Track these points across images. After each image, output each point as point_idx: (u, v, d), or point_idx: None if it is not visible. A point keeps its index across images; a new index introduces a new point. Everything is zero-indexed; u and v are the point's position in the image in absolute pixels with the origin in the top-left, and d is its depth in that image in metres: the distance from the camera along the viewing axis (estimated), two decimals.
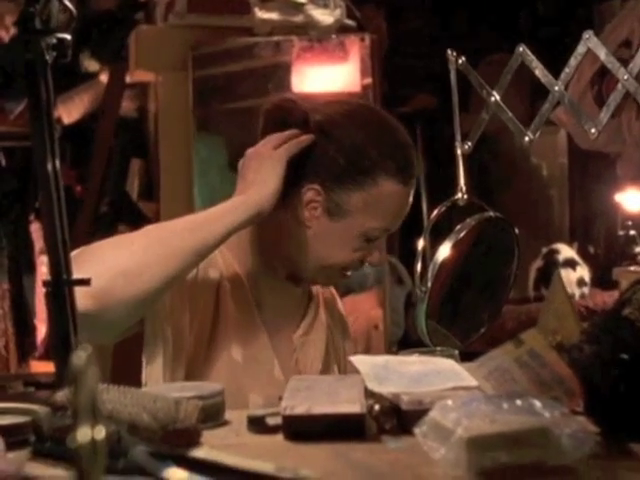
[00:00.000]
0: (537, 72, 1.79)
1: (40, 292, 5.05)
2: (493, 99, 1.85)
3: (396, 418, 1.31)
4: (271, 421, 1.38)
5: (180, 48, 4.23)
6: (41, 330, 4.99)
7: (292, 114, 1.90)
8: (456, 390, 1.25)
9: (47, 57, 1.07)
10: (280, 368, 1.93)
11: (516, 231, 1.93)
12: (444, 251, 1.82)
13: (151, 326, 1.82)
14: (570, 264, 4.33)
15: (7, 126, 5.37)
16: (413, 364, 1.25)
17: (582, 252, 4.70)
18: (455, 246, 1.83)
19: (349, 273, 1.95)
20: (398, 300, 5.30)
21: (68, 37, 1.10)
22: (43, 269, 5.08)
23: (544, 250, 4.47)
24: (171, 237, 1.75)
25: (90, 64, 5.10)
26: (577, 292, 4.28)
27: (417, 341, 1.89)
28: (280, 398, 1.42)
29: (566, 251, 4.43)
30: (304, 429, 1.31)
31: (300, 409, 1.33)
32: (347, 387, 1.37)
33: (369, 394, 1.36)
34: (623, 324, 1.18)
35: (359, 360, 1.34)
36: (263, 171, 1.83)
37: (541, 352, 1.11)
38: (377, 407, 1.34)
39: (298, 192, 1.88)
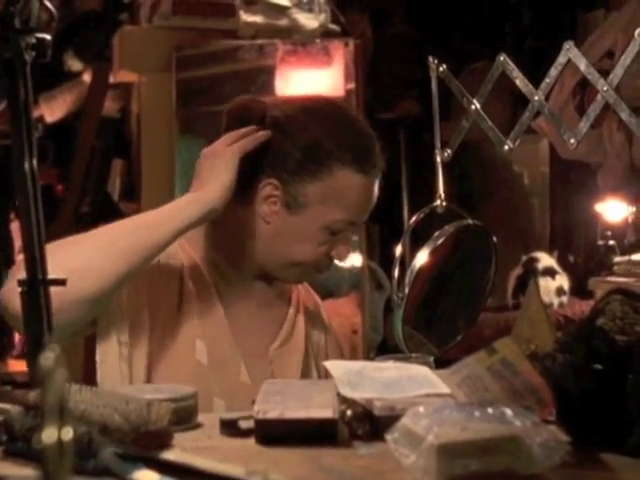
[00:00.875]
0: (517, 82, 1.80)
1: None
2: (473, 107, 1.86)
3: (368, 424, 1.31)
4: (243, 424, 1.37)
5: (164, 49, 4.22)
6: None
7: (250, 111, 1.92)
8: (429, 397, 1.26)
9: (26, 57, 1.07)
10: (248, 374, 1.92)
11: (494, 239, 1.94)
12: (422, 257, 1.83)
13: (105, 325, 1.81)
14: (549, 273, 4.34)
15: None
16: (387, 370, 1.25)
17: (562, 261, 4.72)
18: (433, 253, 1.83)
19: (321, 270, 1.95)
20: (377, 305, 5.31)
21: (48, 37, 1.10)
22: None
23: (524, 258, 4.48)
24: (122, 236, 1.76)
25: (73, 63, 5.08)
26: (556, 301, 4.29)
27: (395, 347, 1.89)
28: (253, 402, 1.42)
29: (545, 260, 4.44)
30: (276, 433, 1.31)
31: (273, 413, 1.33)
32: (320, 392, 1.37)
33: (342, 399, 1.36)
34: (597, 334, 1.18)
35: (333, 365, 1.34)
36: (216, 168, 1.83)
37: (514, 361, 1.11)
38: (350, 412, 1.33)
39: (256, 188, 1.89)
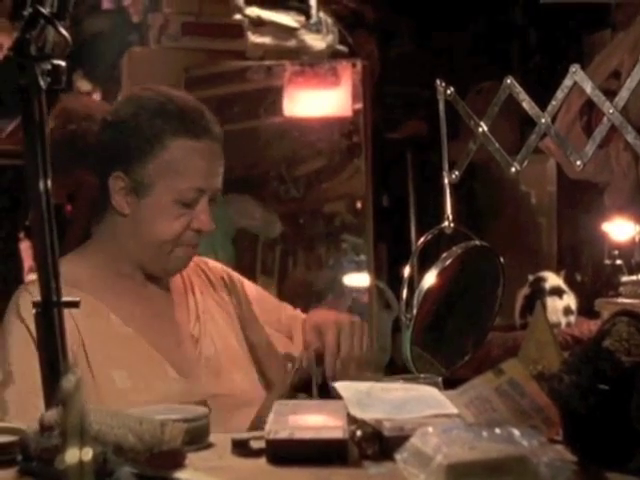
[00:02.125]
0: (524, 104, 1.82)
1: None
2: (481, 130, 1.88)
3: (378, 444, 1.33)
4: (255, 445, 1.39)
5: (173, 70, 4.24)
6: None
7: (75, 112, 2.06)
8: (437, 417, 1.27)
9: (41, 83, 1.09)
10: (176, 369, 2.01)
11: (501, 260, 1.95)
12: (430, 279, 1.85)
13: None
14: (557, 292, 4.34)
15: None
16: (396, 391, 1.26)
17: (569, 280, 4.71)
18: (441, 274, 1.85)
19: (189, 245, 2.01)
20: (385, 325, 5.30)
21: (63, 63, 1.12)
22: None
23: (531, 278, 4.47)
24: None
25: (82, 84, 5.10)
26: (563, 320, 4.29)
27: (404, 366, 1.90)
28: (264, 422, 1.44)
29: (553, 279, 4.44)
30: (287, 453, 1.33)
31: (283, 434, 1.35)
32: (330, 413, 1.39)
33: (352, 420, 1.38)
34: (603, 355, 1.19)
35: (343, 386, 1.36)
36: None
37: (521, 382, 1.12)
38: (359, 433, 1.35)
39: (108, 187, 1.99)
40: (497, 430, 1.06)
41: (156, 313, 2.09)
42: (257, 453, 1.38)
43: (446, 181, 1.91)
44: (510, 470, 1.03)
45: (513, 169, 1.83)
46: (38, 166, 1.14)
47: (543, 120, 1.79)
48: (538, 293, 4.34)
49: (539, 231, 5.60)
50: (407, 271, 1.90)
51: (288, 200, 5.63)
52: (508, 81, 1.85)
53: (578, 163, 1.75)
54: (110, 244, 2.05)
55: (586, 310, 4.43)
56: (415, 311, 1.83)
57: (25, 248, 5.24)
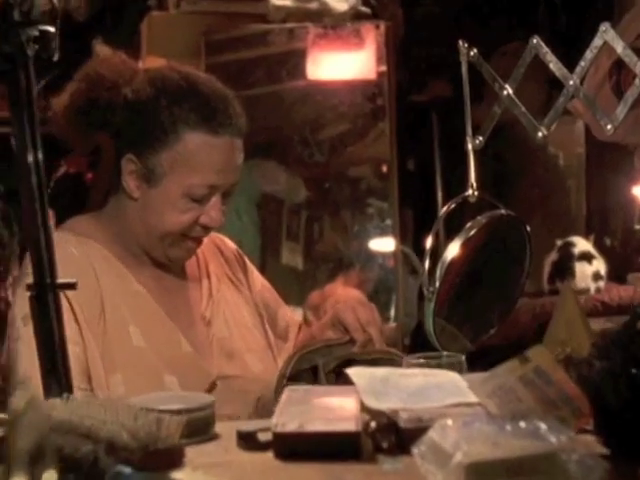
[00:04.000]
0: (551, 65, 1.73)
1: None
2: (505, 93, 1.79)
3: (394, 436, 1.23)
4: (262, 437, 1.30)
5: (192, 35, 4.17)
6: None
7: (102, 83, 1.97)
8: (458, 406, 1.18)
9: (28, 50, 1.02)
10: (189, 343, 1.98)
11: (528, 229, 1.87)
12: (453, 250, 1.77)
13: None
14: (586, 257, 4.24)
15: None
16: (414, 377, 1.17)
17: (598, 245, 4.61)
18: (465, 244, 1.77)
19: (195, 238, 1.99)
20: (411, 291, 5.24)
21: (52, 29, 1.05)
22: None
23: (559, 243, 4.37)
24: None
25: (102, 50, 5.02)
26: (592, 286, 4.19)
27: (426, 341, 1.84)
28: (266, 405, 1.35)
29: (582, 244, 4.33)
30: (296, 447, 1.24)
31: (292, 426, 1.26)
32: (343, 401, 1.29)
33: (366, 409, 1.29)
34: (636, 338, 1.11)
35: (356, 373, 1.25)
36: None
37: (548, 370, 1.04)
38: (373, 424, 1.27)
39: (120, 167, 1.95)
40: (522, 424, 0.98)
41: (169, 290, 2.06)
42: (264, 446, 1.29)
43: (470, 147, 1.83)
44: (536, 469, 0.95)
45: (540, 134, 1.75)
46: (26, 138, 1.07)
47: (571, 82, 1.71)
48: (566, 259, 4.24)
49: (567, 194, 5.50)
50: (429, 242, 1.82)
51: (313, 164, 5.61)
52: (534, 41, 1.76)
53: (609, 127, 1.66)
54: (120, 222, 2.02)
55: (616, 275, 4.34)
56: (438, 284, 1.75)
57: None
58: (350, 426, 1.23)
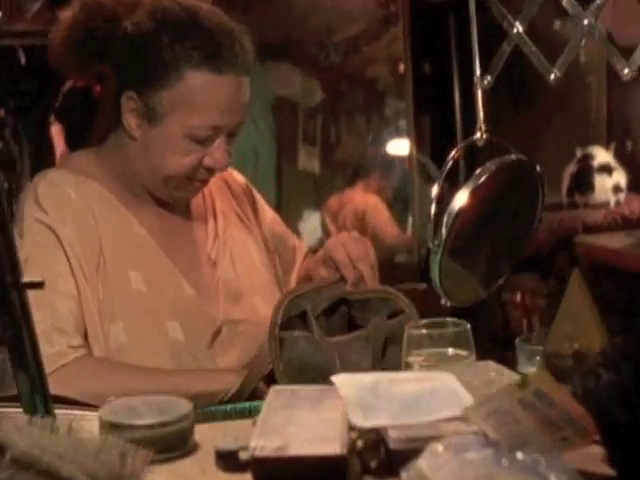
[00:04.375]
0: (564, 3, 1.62)
1: None
2: (515, 31, 1.68)
3: (382, 455, 1.14)
4: (243, 456, 1.20)
5: None
6: None
7: (100, 13, 1.87)
8: (452, 421, 1.09)
9: None
10: (192, 286, 1.92)
11: (540, 172, 1.77)
12: (461, 199, 1.68)
13: None
14: (606, 170, 4.13)
15: (25, 24, 5.20)
16: (406, 383, 1.07)
17: (620, 151, 4.48)
18: (473, 193, 1.68)
19: (202, 181, 1.92)
20: (428, 200, 5.16)
21: None
22: None
23: (579, 154, 4.25)
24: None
25: None
26: (612, 199, 4.09)
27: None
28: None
29: (602, 155, 4.21)
30: (276, 473, 1.13)
31: (271, 449, 1.15)
32: (328, 414, 1.18)
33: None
34: None
35: (343, 382, 1.13)
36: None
37: (549, 392, 0.96)
38: (360, 443, 1.17)
39: (121, 104, 1.87)
40: (519, 455, 0.90)
41: (173, 230, 1.99)
42: (245, 466, 1.19)
43: (478, 87, 1.72)
44: None
45: (552, 76, 1.64)
46: None
47: (585, 21, 1.59)
48: (586, 171, 4.13)
49: (588, 92, 5.34)
50: (435, 190, 1.72)
51: (328, 66, 5.54)
52: None
53: (625, 71, 1.55)
54: (121, 159, 1.94)
55: (636, 186, 4.23)
56: (444, 235, 1.67)
57: (56, 132, 5.12)
58: (334, 449, 1.12)
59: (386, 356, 1.77)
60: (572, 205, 4.13)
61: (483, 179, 1.67)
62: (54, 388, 1.73)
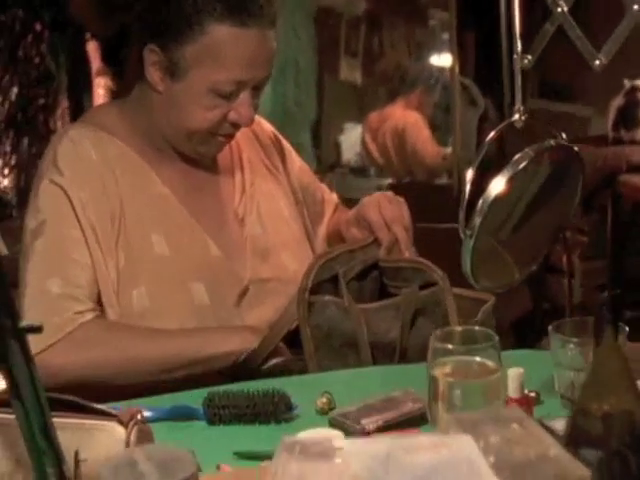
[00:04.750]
0: None
1: None
2: (560, 10, 1.58)
3: None
4: None
5: None
6: None
7: None
8: None
9: None
10: (218, 246, 1.89)
11: (580, 156, 1.69)
12: (497, 186, 1.60)
13: None
14: None
15: None
16: (422, 452, 1.00)
17: None
18: (511, 179, 1.60)
19: (227, 136, 1.88)
20: (470, 122, 5.06)
21: None
22: (99, 91, 4.90)
23: (627, 85, 4.11)
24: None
25: None
26: None
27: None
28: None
29: None
30: None
31: None
32: None
33: None
34: None
35: (353, 450, 1.03)
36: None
37: None
38: None
39: (143, 57, 1.82)
40: None
41: (198, 187, 1.94)
42: None
43: (517, 67, 1.63)
44: None
45: (597, 62, 1.55)
46: None
47: (635, 6, 1.49)
48: (633, 105, 3.99)
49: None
50: (470, 175, 1.65)
51: None
52: None
53: None
54: (145, 113, 1.90)
55: None
56: (478, 223, 1.60)
57: (92, 49, 5.05)
58: None
59: (415, 326, 1.75)
60: (617, 140, 4.01)
61: (522, 166, 1.59)
62: (59, 357, 1.72)
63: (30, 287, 1.78)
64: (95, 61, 5.01)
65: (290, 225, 2.03)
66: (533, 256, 1.73)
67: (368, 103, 6.62)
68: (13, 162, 5.18)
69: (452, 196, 4.86)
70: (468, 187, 1.64)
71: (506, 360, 1.76)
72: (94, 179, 1.84)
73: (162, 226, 1.86)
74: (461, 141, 5.06)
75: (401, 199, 1.94)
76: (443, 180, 5.36)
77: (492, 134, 1.65)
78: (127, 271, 1.81)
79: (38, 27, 5.14)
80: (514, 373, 1.59)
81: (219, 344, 1.77)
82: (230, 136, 1.89)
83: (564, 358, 1.62)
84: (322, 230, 2.15)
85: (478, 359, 1.34)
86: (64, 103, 5.22)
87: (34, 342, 1.68)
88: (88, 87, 5.12)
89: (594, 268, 3.97)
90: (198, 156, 1.92)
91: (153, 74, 1.81)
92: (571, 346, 1.61)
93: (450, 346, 1.29)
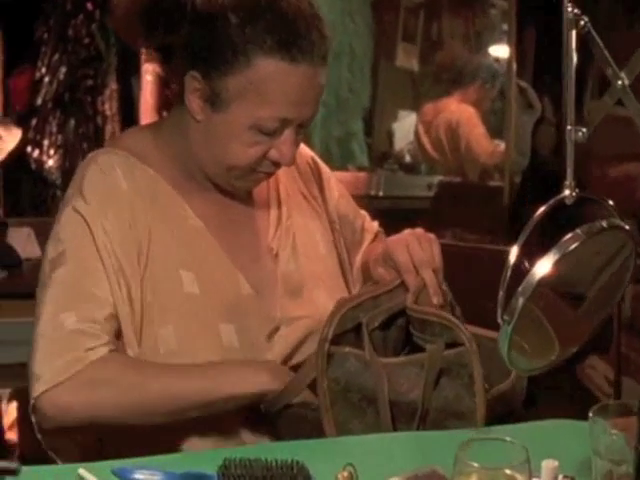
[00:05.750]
0: None
1: (145, 101, 4.84)
2: (620, 83, 1.45)
3: None
4: None
5: None
6: None
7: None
8: None
9: None
10: (250, 284, 1.81)
11: (635, 242, 1.56)
12: (543, 268, 1.47)
13: None
14: None
15: None
16: None
17: None
18: (558, 262, 1.47)
19: (266, 174, 1.81)
20: (525, 127, 4.94)
21: None
22: (148, 77, 4.84)
23: None
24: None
25: None
26: None
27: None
28: None
29: None
30: None
31: None
32: None
33: None
34: None
35: None
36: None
37: None
38: None
39: (184, 83, 1.73)
40: None
41: (232, 219, 1.87)
42: None
43: (570, 140, 1.51)
44: None
45: None
46: None
47: None
48: None
49: None
50: (514, 253, 1.53)
51: None
52: None
53: None
54: (181, 140, 1.82)
55: None
56: (520, 306, 1.48)
57: None
58: None
59: (439, 386, 1.69)
60: None
61: (571, 248, 1.47)
62: (66, 395, 1.67)
63: (43, 320, 1.71)
64: None
65: (325, 261, 1.96)
66: (575, 339, 1.61)
67: (423, 92, 6.51)
68: (59, 142, 5.14)
69: (502, 202, 4.74)
70: (511, 264, 1.52)
71: (543, 431, 1.66)
72: (121, 209, 1.76)
73: (192, 262, 1.78)
74: (515, 148, 4.95)
75: (432, 237, 1.85)
76: (495, 182, 5.24)
77: (541, 209, 1.53)
78: (153, 308, 1.74)
79: (89, 6, 5.08)
80: (548, 466, 1.50)
81: (236, 385, 1.70)
82: (269, 174, 1.81)
83: (603, 447, 1.51)
84: (359, 259, 2.07)
85: (507, 471, 1.25)
86: (112, 85, 5.18)
87: (43, 380, 1.63)
88: (137, 70, 5.06)
89: None
90: (234, 189, 1.84)
91: (193, 102, 1.73)
92: (613, 437, 1.51)
93: (475, 464, 1.19)
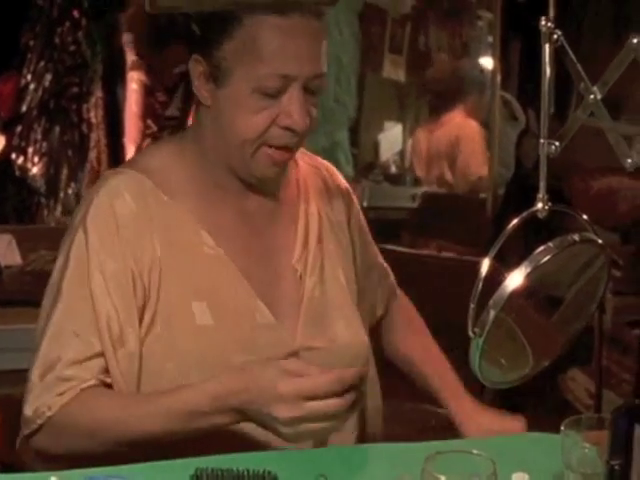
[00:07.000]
0: None
1: (130, 109, 4.84)
2: (592, 98, 1.45)
3: None
4: None
5: None
6: (130, 150, 4.78)
7: None
8: None
9: None
10: (271, 311, 1.76)
11: (608, 253, 1.56)
12: (515, 281, 1.48)
13: None
14: None
15: None
16: None
17: None
18: (529, 275, 1.47)
19: (281, 147, 1.74)
20: (509, 139, 4.95)
21: None
22: (133, 85, 4.83)
23: None
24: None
25: None
26: None
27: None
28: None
29: None
30: None
31: None
32: None
33: None
34: None
35: None
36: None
37: None
38: None
39: (190, 71, 1.75)
40: None
41: (256, 233, 1.82)
42: None
43: (543, 154, 1.51)
44: None
45: (629, 161, 1.42)
46: None
47: None
48: None
49: None
50: (485, 265, 1.52)
51: None
52: (634, 41, 1.40)
53: None
54: (201, 141, 1.80)
55: None
56: (491, 319, 1.48)
57: (126, 42, 4.99)
58: None
59: None
60: None
61: (543, 261, 1.47)
62: (40, 444, 1.71)
63: (40, 355, 1.72)
64: (130, 54, 4.94)
65: (345, 292, 1.91)
66: (547, 354, 1.62)
67: (410, 101, 6.52)
68: (44, 150, 5.13)
69: (485, 214, 4.75)
70: (482, 276, 1.51)
71: (515, 445, 1.66)
72: (125, 243, 1.72)
73: (207, 290, 1.74)
74: (499, 159, 4.96)
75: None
76: (478, 194, 5.25)
77: (514, 222, 1.52)
78: (162, 341, 1.71)
79: (76, 14, 5.07)
80: (519, 479, 1.51)
81: (210, 419, 1.61)
82: (286, 149, 1.75)
83: (575, 460, 1.52)
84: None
85: None
86: (98, 93, 5.17)
87: (25, 419, 1.66)
88: (123, 78, 5.06)
89: (627, 304, 3.86)
90: (257, 181, 1.79)
91: (200, 88, 1.74)
92: (586, 450, 1.52)
93: (443, 477, 1.19)
